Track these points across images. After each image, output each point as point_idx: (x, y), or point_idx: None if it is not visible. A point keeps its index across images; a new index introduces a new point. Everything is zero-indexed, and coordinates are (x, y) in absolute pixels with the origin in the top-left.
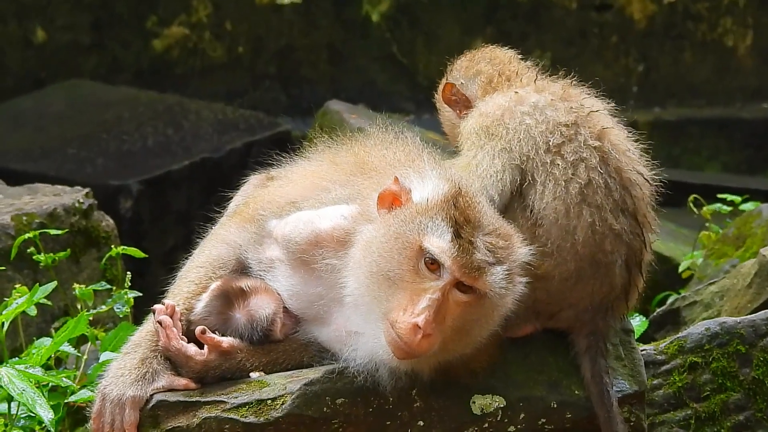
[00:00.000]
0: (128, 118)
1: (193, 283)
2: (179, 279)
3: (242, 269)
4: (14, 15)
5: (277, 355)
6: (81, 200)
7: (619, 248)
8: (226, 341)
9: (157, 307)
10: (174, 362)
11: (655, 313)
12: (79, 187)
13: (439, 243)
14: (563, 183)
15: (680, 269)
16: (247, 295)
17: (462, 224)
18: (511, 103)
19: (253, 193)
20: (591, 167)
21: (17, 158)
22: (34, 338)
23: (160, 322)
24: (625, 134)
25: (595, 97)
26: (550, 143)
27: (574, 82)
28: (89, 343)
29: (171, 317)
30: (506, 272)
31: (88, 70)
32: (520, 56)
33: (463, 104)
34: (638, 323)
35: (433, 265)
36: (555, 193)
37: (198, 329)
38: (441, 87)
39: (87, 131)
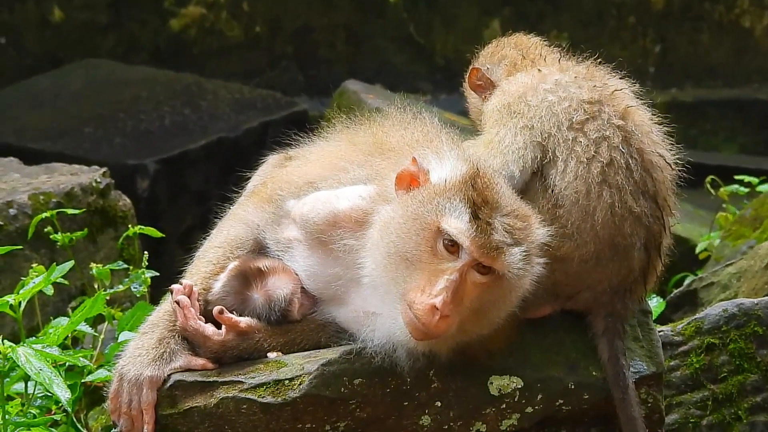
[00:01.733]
0: (145, 98)
1: (210, 263)
2: (197, 259)
3: (260, 250)
4: None
5: (295, 335)
6: (98, 180)
7: (639, 231)
8: (244, 321)
9: (174, 287)
10: (191, 342)
11: (672, 295)
12: (96, 167)
13: (458, 224)
14: (585, 161)
15: (697, 250)
16: (264, 275)
17: (480, 205)
18: (534, 80)
19: (272, 172)
20: (613, 146)
21: (35, 137)
22: (51, 317)
23: (177, 302)
24: (648, 115)
25: (619, 78)
26: (573, 120)
27: (597, 63)
28: (106, 322)
29: (189, 297)
30: (524, 253)
31: (106, 49)
32: (544, 41)
33: (488, 89)
34: (655, 304)
35: (452, 246)
36: (577, 171)
37: (216, 309)
38: (468, 74)
39: (104, 111)
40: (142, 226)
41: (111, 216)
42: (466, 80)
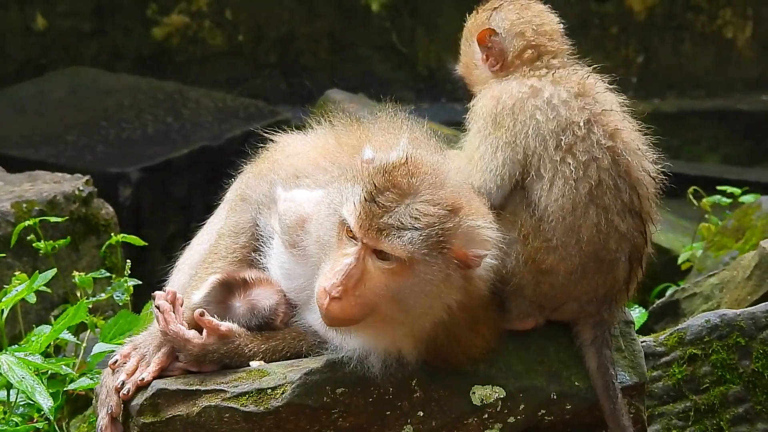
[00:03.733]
0: (128, 106)
1: (223, 253)
2: (210, 253)
3: (250, 256)
4: (15, 1)
5: (276, 342)
6: (81, 188)
7: (623, 246)
8: (225, 325)
9: (157, 293)
10: (174, 346)
11: (654, 305)
12: (79, 175)
13: (349, 206)
14: (573, 182)
15: (680, 261)
16: (249, 285)
17: (383, 190)
18: (525, 95)
19: (274, 150)
20: (602, 168)
21: (17, 145)
22: (34, 325)
23: (158, 307)
24: (636, 130)
25: (608, 88)
26: (562, 141)
27: (591, 72)
28: (88, 330)
29: (172, 303)
30: (428, 239)
31: (89, 57)
32: (560, 27)
33: (494, 54)
34: (638, 315)
35: (350, 231)
36: (564, 191)
37: (196, 312)
38: (476, 22)
39: (87, 118)
40: (125, 235)
41: (94, 224)
42: (473, 31)
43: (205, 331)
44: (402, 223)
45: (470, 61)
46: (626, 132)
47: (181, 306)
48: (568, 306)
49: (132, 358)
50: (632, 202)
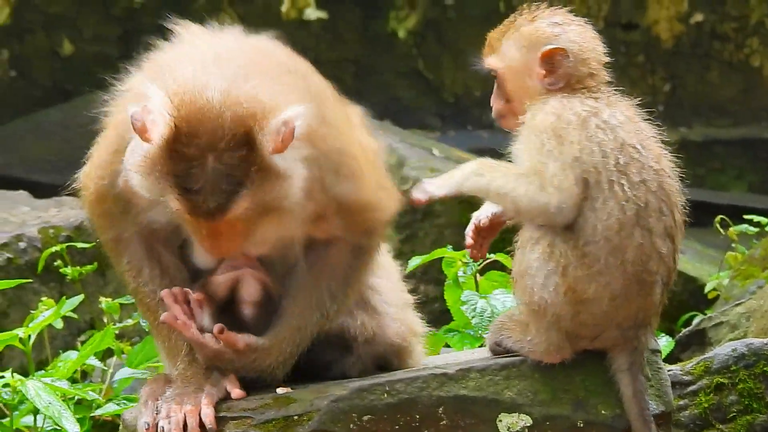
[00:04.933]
0: None
1: None
2: None
3: None
4: (42, 27)
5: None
6: None
7: (662, 269)
8: (242, 340)
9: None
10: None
11: (681, 334)
12: None
13: (175, 205)
14: (624, 203)
15: (706, 290)
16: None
17: (182, 173)
18: (587, 113)
19: None
20: (651, 190)
21: (44, 170)
22: (61, 351)
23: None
24: (670, 157)
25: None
26: (620, 161)
27: (634, 102)
28: (115, 356)
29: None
30: (253, 180)
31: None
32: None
33: (557, 74)
34: (665, 343)
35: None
36: (614, 211)
37: (216, 327)
38: (538, 35)
39: None
40: None
41: None
42: (540, 48)
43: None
44: (225, 197)
45: (522, 69)
46: (666, 158)
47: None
48: (608, 334)
49: (169, 412)
50: (671, 226)
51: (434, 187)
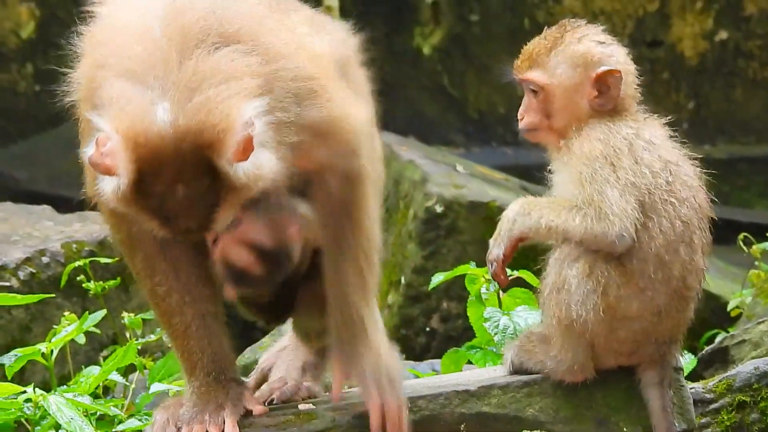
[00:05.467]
0: None
1: None
2: None
3: None
4: (67, 41)
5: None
6: None
7: (697, 285)
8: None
9: None
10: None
11: (703, 352)
12: None
13: (157, 231)
14: (673, 220)
15: (729, 307)
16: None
17: (156, 207)
18: (631, 136)
19: None
20: (693, 207)
21: (68, 185)
22: (83, 366)
23: None
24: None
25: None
26: (668, 179)
27: (662, 120)
28: (138, 372)
29: None
30: (231, 193)
31: None
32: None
33: (608, 96)
34: (687, 361)
35: None
36: (664, 230)
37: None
38: (590, 55)
39: None
40: None
41: None
42: (594, 69)
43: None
44: (200, 212)
45: (573, 87)
46: (698, 174)
47: None
48: (645, 349)
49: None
50: (706, 243)
51: (494, 254)
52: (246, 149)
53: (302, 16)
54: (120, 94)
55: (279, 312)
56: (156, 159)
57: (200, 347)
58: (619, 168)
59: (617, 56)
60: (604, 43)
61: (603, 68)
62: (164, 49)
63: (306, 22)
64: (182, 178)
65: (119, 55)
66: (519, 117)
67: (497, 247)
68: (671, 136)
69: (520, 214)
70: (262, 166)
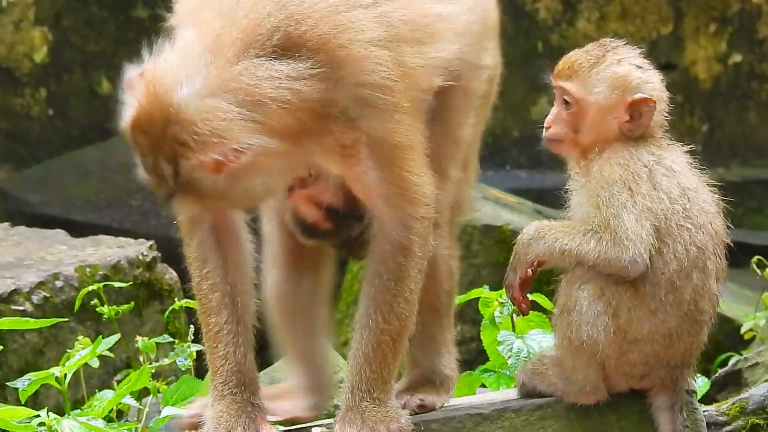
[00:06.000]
0: None
1: None
2: None
3: None
4: (80, 66)
5: None
6: (144, 253)
7: (710, 309)
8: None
9: None
10: None
11: (717, 374)
12: (142, 240)
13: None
14: (688, 246)
15: (742, 330)
16: None
17: (137, 156)
18: (652, 162)
19: None
20: (708, 233)
21: (81, 209)
22: (96, 390)
23: None
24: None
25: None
26: (685, 205)
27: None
28: (151, 395)
29: None
30: (191, 191)
31: None
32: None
33: (639, 122)
34: (700, 384)
35: None
36: (678, 255)
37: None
38: (628, 80)
39: None
40: (189, 300)
41: (157, 289)
42: (630, 94)
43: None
44: (162, 191)
45: (608, 108)
46: (714, 199)
47: None
48: (656, 372)
49: None
50: (721, 268)
51: (510, 278)
52: (218, 168)
53: None
54: (176, 49)
55: (356, 250)
56: (148, 118)
57: (225, 354)
58: (637, 193)
59: (654, 83)
60: (642, 68)
61: (639, 95)
62: (229, 37)
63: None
64: (155, 153)
65: (202, 16)
66: (546, 125)
67: (513, 272)
68: (691, 163)
69: (535, 238)
70: (246, 188)
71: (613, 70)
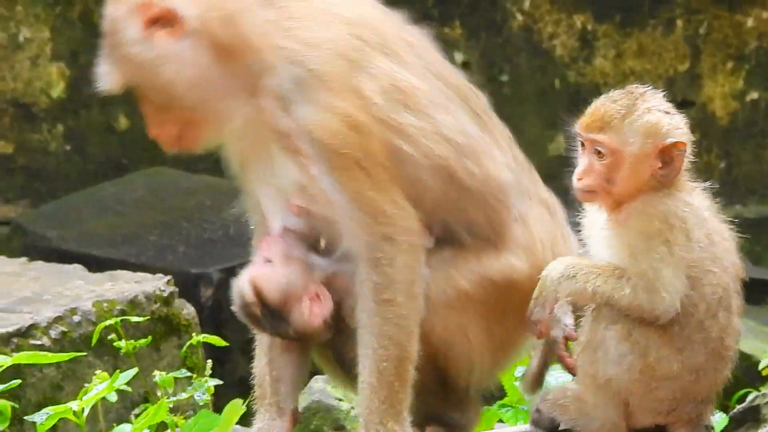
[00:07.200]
0: (209, 206)
1: None
2: None
3: None
4: (97, 102)
5: None
6: (162, 288)
7: (735, 345)
8: None
9: None
10: None
11: (735, 410)
12: (160, 275)
13: None
14: (714, 288)
15: (761, 366)
16: None
17: None
18: (685, 211)
19: None
20: (731, 274)
21: (99, 244)
22: (114, 424)
23: None
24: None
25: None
26: (713, 252)
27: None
28: (169, 430)
29: None
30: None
31: (170, 157)
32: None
33: (671, 168)
34: (718, 420)
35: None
36: (706, 297)
37: None
38: (658, 127)
39: (168, 218)
40: (206, 335)
41: (175, 324)
42: (661, 141)
43: None
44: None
45: (643, 157)
46: (732, 237)
47: None
48: (684, 408)
49: None
50: (741, 305)
51: (537, 315)
52: (150, 20)
53: None
54: None
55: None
56: None
57: (260, 373)
58: (674, 245)
59: (682, 127)
60: (670, 113)
61: (670, 140)
62: None
63: None
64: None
65: None
66: (577, 177)
67: (541, 308)
68: (712, 202)
69: (565, 276)
70: (164, 73)
71: (646, 119)
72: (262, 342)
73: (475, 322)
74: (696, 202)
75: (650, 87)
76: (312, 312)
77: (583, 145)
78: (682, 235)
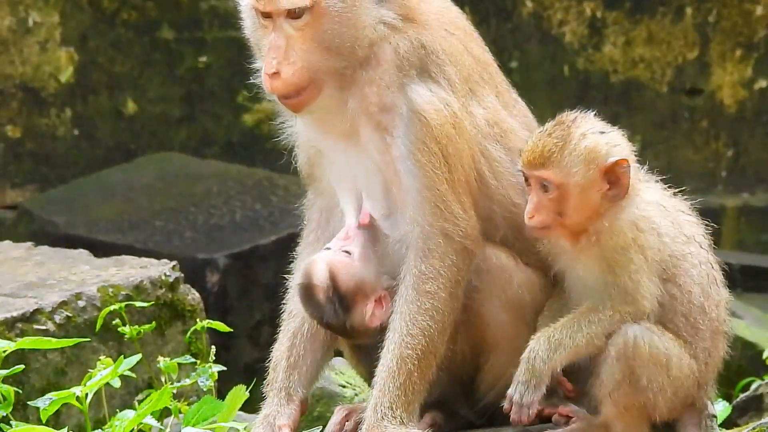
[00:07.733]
0: (217, 192)
1: None
2: None
3: None
4: (105, 86)
5: None
6: (167, 273)
7: (726, 317)
8: None
9: None
10: None
11: (738, 399)
12: (165, 260)
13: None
14: (699, 267)
15: (765, 355)
16: None
17: None
18: (655, 215)
19: None
20: (706, 246)
21: (105, 230)
22: (118, 410)
23: None
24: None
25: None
26: (684, 233)
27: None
28: (172, 416)
29: None
30: None
31: (178, 142)
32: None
33: (619, 185)
34: (721, 408)
35: (263, 14)
36: (696, 279)
37: None
38: (595, 151)
39: (175, 204)
40: (211, 321)
41: (180, 310)
42: (602, 164)
43: None
44: None
45: (587, 184)
46: (691, 207)
47: None
48: (702, 393)
49: None
50: (721, 279)
51: (528, 399)
52: None
53: None
54: None
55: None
56: None
57: (277, 357)
58: (647, 248)
59: (620, 143)
60: (604, 132)
61: (611, 159)
62: None
63: None
64: None
65: None
66: (528, 216)
67: (532, 392)
68: (663, 188)
69: (552, 350)
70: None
71: (583, 145)
72: (287, 327)
73: (524, 330)
74: (651, 197)
75: (578, 111)
76: (373, 313)
77: (528, 182)
78: (653, 235)
